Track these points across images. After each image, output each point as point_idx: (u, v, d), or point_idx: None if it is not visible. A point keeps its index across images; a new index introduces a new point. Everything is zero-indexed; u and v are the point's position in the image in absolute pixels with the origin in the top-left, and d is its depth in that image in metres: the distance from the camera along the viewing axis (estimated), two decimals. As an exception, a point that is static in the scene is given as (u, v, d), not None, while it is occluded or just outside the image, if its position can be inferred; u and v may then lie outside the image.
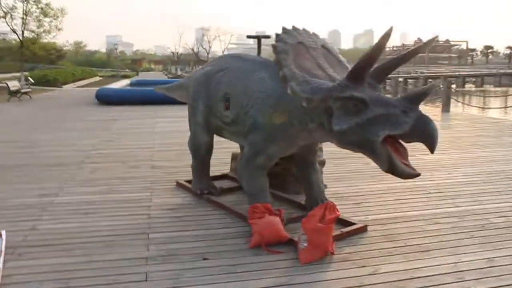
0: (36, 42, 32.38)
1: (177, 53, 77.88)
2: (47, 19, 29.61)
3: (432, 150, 2.87)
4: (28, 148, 7.45)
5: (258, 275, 2.99)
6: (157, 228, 3.85)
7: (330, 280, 2.92)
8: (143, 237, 3.64)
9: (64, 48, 66.54)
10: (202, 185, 4.76)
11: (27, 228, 3.78)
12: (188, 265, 3.14)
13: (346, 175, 5.68)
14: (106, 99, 15.47)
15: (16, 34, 29.41)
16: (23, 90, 16.93)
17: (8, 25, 28.56)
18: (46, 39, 33.90)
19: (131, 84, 23.35)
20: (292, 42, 3.51)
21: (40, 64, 37.33)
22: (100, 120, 11.32)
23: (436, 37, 3.23)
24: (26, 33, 29.88)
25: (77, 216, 4.13)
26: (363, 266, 3.10)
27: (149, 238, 3.63)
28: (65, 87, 28.06)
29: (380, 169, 3.04)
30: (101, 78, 41.94)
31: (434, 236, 3.66)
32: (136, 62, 78.75)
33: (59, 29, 31.56)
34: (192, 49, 75.42)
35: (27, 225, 3.85)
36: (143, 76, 41.67)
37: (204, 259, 3.24)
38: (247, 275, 2.99)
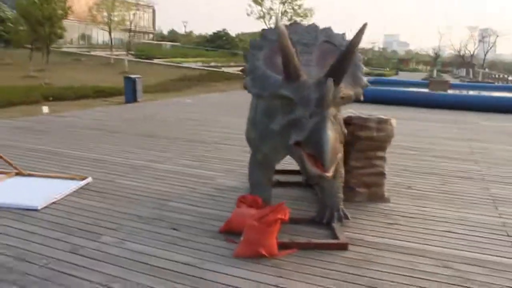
0: None
1: (437, 54, 73.20)
2: (299, 19, 33.38)
3: (322, 164, 2.55)
4: (197, 126, 9.16)
5: (186, 250, 3.31)
6: (183, 199, 4.48)
7: (232, 276, 2.96)
8: (164, 203, 4.36)
9: None
10: (255, 175, 5.10)
11: (108, 180, 5.07)
12: (155, 229, 3.71)
13: (420, 193, 4.91)
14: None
15: None
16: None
17: (266, 24, 33.64)
18: None
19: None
20: (275, 38, 3.49)
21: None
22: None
23: (366, 24, 2.73)
24: None
25: (150, 179, 5.16)
26: (277, 276, 2.97)
27: (167, 205, 4.31)
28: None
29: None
30: None
31: (411, 277, 3.04)
32: (403, 61, 77.44)
33: None
34: (459, 51, 69.75)
35: (110, 178, 5.15)
36: (400, 76, 41.12)
37: (173, 229, 3.74)
38: (181, 249, 3.34)
